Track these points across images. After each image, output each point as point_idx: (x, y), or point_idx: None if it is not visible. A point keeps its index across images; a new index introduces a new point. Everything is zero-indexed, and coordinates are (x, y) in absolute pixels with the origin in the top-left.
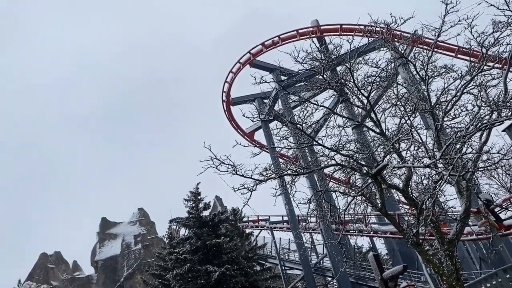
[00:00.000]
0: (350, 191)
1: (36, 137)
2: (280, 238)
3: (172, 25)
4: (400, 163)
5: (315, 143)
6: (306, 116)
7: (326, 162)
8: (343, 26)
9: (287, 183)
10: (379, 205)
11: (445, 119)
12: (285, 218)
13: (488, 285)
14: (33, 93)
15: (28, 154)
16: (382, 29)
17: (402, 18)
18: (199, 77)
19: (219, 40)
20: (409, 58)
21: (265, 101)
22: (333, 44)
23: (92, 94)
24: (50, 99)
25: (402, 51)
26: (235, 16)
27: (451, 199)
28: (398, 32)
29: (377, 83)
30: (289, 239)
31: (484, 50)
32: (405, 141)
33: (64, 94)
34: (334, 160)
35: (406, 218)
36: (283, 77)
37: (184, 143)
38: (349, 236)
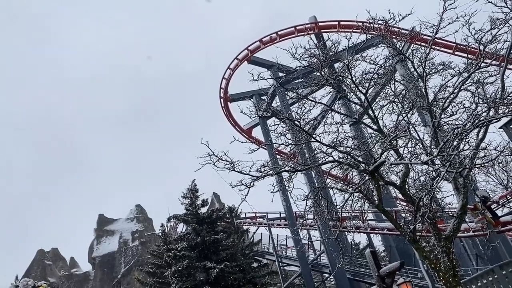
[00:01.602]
0: (348, 187)
1: (36, 135)
2: (277, 234)
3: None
4: (398, 160)
5: (312, 140)
6: (303, 113)
7: (323, 159)
8: (341, 23)
9: (284, 179)
10: (377, 201)
11: (443, 116)
12: (283, 215)
13: (485, 281)
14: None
15: (26, 151)
16: (380, 25)
17: (400, 14)
18: (207, 77)
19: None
20: (407, 55)
21: (262, 97)
22: (331, 41)
23: (90, 94)
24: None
25: (400, 48)
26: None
27: (448, 196)
28: (396, 29)
29: (375, 80)
30: (286, 235)
31: (481, 47)
32: (403, 138)
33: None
34: (332, 156)
35: (403, 215)
36: (280, 74)
37: (183, 139)
38: (346, 232)
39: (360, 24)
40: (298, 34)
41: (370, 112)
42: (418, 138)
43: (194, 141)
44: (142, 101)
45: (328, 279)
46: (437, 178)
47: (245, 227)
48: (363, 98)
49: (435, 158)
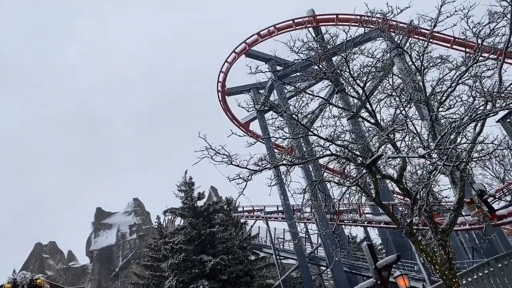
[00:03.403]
0: (345, 181)
1: (37, 131)
2: (275, 228)
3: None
4: (395, 153)
5: (310, 133)
6: (301, 107)
7: (321, 153)
8: (339, 16)
9: (282, 173)
10: (374, 195)
11: (440, 109)
12: (280, 208)
13: (480, 274)
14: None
15: (24, 146)
16: (378, 19)
17: (398, 8)
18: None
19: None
20: (405, 49)
21: (260, 91)
22: (329, 34)
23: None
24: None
25: (398, 42)
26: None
27: (445, 189)
28: (394, 22)
29: (373, 74)
30: (283, 229)
31: (479, 41)
32: (400, 131)
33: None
34: (329, 150)
35: (400, 208)
36: (278, 67)
37: (181, 134)
38: (343, 226)
39: (358, 17)
40: (296, 27)
41: (368, 106)
42: (415, 131)
43: (192, 134)
44: (143, 99)
45: (325, 272)
46: (434, 172)
47: (242, 221)
48: (360, 91)
49: (432, 152)
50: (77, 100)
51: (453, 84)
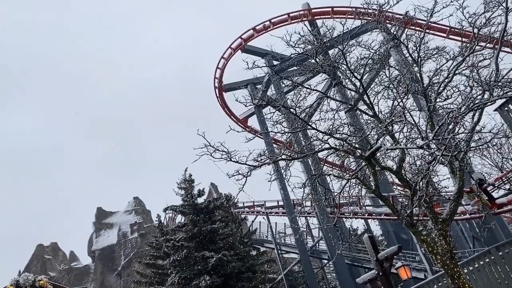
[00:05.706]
0: (345, 174)
1: (37, 130)
2: (276, 222)
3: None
4: (393, 145)
5: (308, 127)
6: (299, 101)
7: (320, 146)
8: (335, 9)
9: (281, 168)
10: (373, 187)
11: (438, 100)
12: (281, 203)
13: (481, 262)
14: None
15: (24, 147)
16: (374, 10)
17: None
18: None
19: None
20: (402, 40)
21: (258, 86)
22: (326, 26)
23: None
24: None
25: (395, 33)
26: None
27: (444, 179)
28: (390, 14)
29: (370, 66)
30: (284, 223)
31: (475, 31)
32: (398, 123)
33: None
34: (328, 144)
35: (400, 200)
36: (275, 62)
37: (180, 132)
38: (344, 219)
39: (354, 9)
40: (292, 21)
41: (366, 98)
42: (413, 122)
43: (191, 132)
44: (143, 100)
45: (327, 265)
46: (433, 162)
47: (243, 216)
48: (358, 84)
49: (431, 142)
50: (78, 101)
51: (450, 75)
